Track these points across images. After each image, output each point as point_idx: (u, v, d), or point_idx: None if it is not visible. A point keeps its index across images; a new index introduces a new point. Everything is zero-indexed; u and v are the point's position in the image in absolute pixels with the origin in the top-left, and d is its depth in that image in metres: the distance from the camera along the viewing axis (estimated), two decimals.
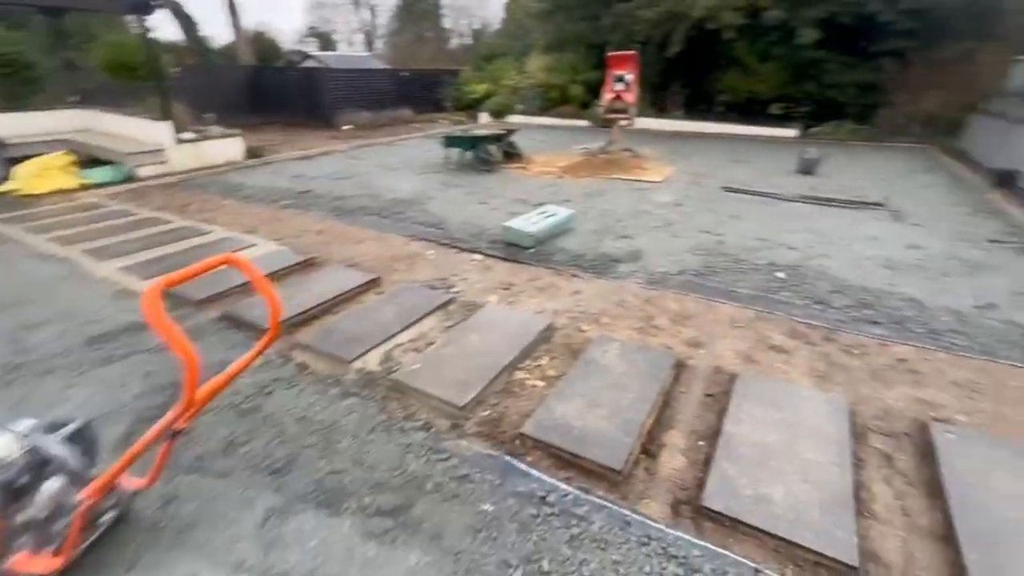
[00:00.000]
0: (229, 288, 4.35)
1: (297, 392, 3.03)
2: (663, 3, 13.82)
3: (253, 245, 5.48)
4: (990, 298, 4.17)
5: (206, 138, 9.87)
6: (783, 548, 2.02)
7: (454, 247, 5.48)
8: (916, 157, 11.12)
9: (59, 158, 8.66)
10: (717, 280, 4.56)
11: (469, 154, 9.47)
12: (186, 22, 22.35)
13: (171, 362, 3.21)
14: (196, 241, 5.60)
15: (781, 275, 4.60)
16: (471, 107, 21.02)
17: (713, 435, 2.65)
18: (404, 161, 10.51)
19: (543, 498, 2.27)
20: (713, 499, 2.18)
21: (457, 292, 4.36)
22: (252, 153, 10.70)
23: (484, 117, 18.58)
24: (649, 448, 2.58)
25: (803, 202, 7.17)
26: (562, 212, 5.88)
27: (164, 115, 9.14)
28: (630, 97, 10.12)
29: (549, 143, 12.73)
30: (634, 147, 10.53)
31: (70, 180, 8.29)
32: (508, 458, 2.51)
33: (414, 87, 21.09)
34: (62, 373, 3.20)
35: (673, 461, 2.50)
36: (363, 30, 39.20)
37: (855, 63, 12.89)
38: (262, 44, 26.89)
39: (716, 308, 4.02)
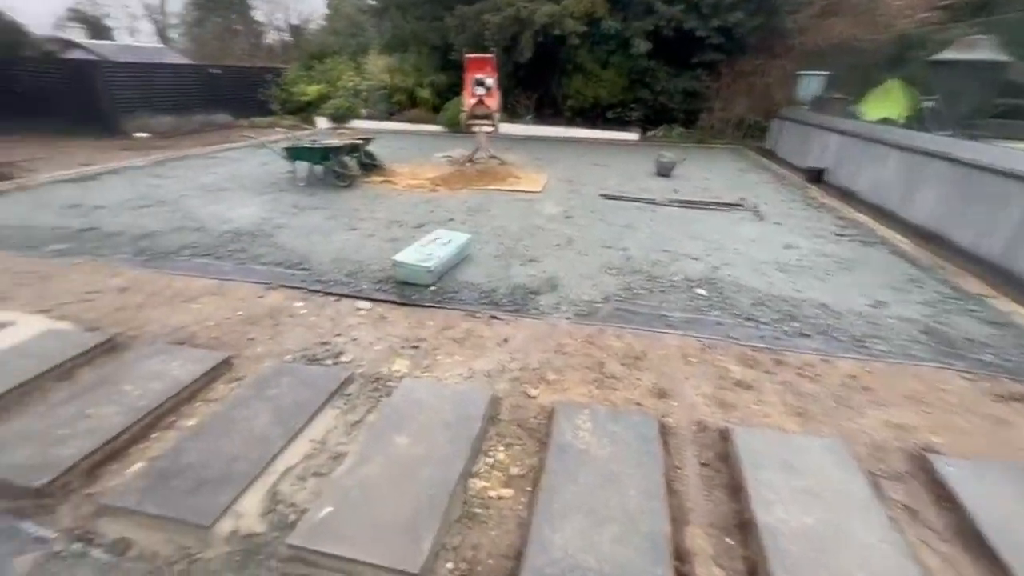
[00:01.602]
0: None
1: None
2: (507, 8, 13.67)
3: (7, 325, 3.58)
4: (875, 295, 4.52)
5: None
6: None
7: (329, 294, 4.29)
8: (736, 157, 12.68)
9: None
10: (644, 304, 4.21)
11: (320, 168, 8.00)
12: None
13: None
14: None
15: (702, 292, 4.44)
16: (302, 110, 18.69)
17: (740, 527, 2.15)
18: (233, 179, 8.53)
19: None
20: None
21: (351, 363, 3.28)
22: None
23: (323, 122, 16.59)
24: (682, 571, 1.97)
25: (677, 206, 7.42)
26: (457, 236, 5.05)
27: None
28: (492, 103, 9.63)
29: (407, 151, 11.68)
30: (498, 154, 10.09)
31: None
32: None
33: (230, 87, 18.02)
34: None
35: None
36: (150, 17, 32.75)
37: (679, 72, 14.30)
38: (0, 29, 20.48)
39: (660, 340, 3.63)
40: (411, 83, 16.84)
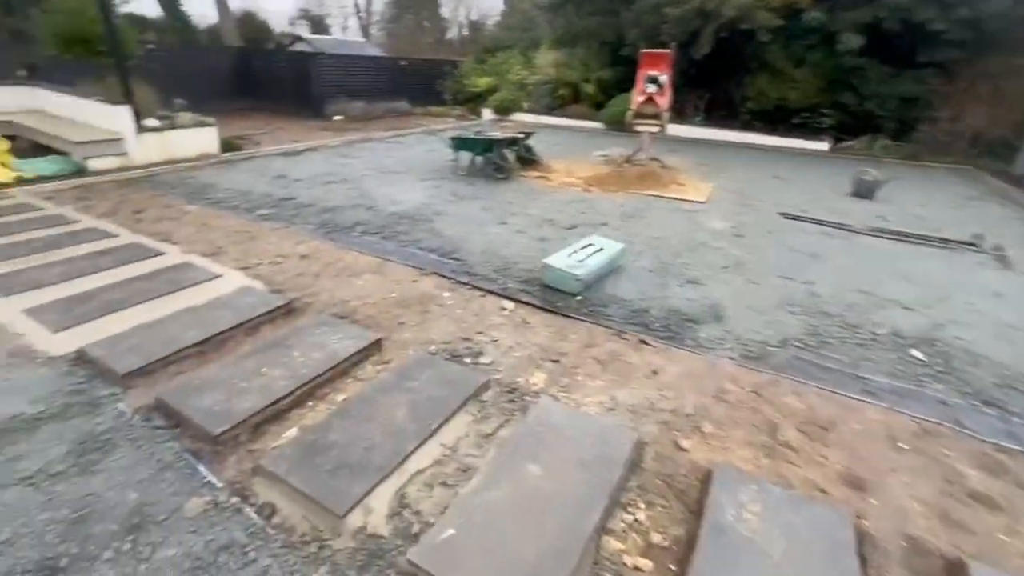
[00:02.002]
0: (181, 350, 3.11)
1: None
2: (689, 1, 12.67)
3: (217, 277, 4.21)
4: None
5: (174, 127, 8.49)
6: None
7: (476, 288, 4.28)
8: (965, 181, 10.15)
9: None
10: (835, 358, 3.43)
11: (480, 159, 8.23)
12: None
13: None
14: (141, 268, 4.31)
15: (918, 354, 3.49)
16: (471, 101, 19.75)
17: None
18: (404, 163, 9.23)
19: None
20: None
21: (490, 366, 3.18)
22: (229, 146, 9.34)
23: (487, 114, 17.30)
24: None
25: (880, 237, 6.10)
26: (609, 245, 4.71)
27: (123, 98, 7.74)
28: (663, 101, 8.97)
29: (564, 147, 11.56)
30: (660, 156, 9.40)
31: (2, 172, 6.88)
32: None
33: (412, 78, 19.76)
34: None
35: None
36: (358, 15, 37.49)
37: (898, 73, 11.90)
38: (251, 25, 25.21)
39: (856, 410, 2.90)
40: (576, 78, 16.68)
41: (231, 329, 3.40)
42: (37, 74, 9.41)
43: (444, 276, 4.48)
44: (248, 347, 3.26)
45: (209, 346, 3.25)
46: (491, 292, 4.21)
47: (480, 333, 3.60)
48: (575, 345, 3.46)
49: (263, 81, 17.45)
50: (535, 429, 2.55)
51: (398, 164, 9.09)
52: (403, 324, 3.65)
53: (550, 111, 16.73)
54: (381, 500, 2.16)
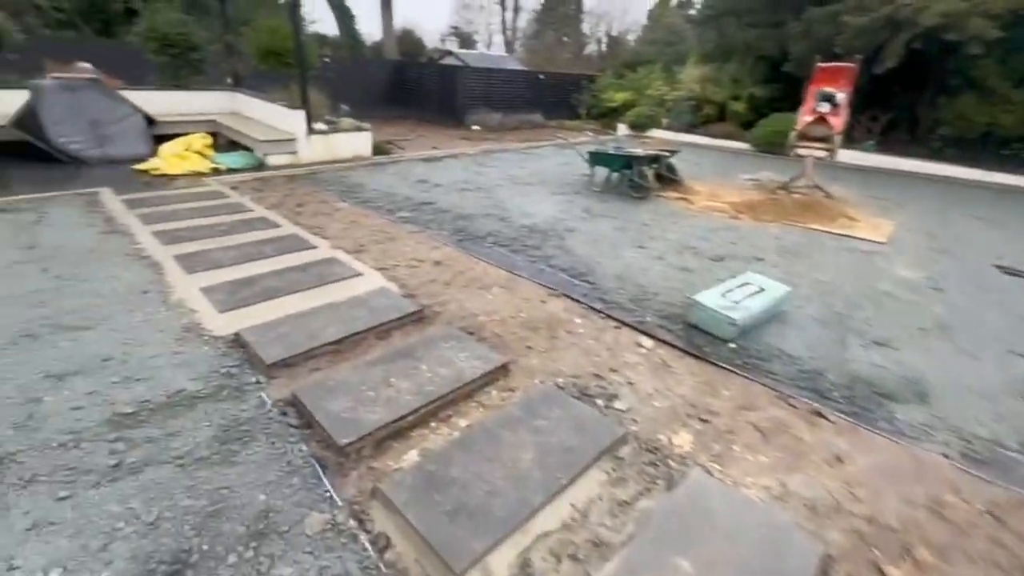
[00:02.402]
0: (320, 345, 3.19)
1: None
2: (878, 8, 11.00)
3: (358, 275, 4.36)
4: None
5: (337, 130, 9.35)
6: None
7: (610, 317, 3.91)
8: None
9: (198, 139, 8.55)
10: None
11: (616, 175, 7.83)
12: (343, 16, 23.39)
13: None
14: (296, 259, 4.63)
15: None
16: (606, 116, 19.38)
17: None
18: (538, 175, 9.16)
19: None
20: None
21: (626, 414, 2.78)
22: (379, 149, 10.07)
23: (622, 129, 16.79)
24: None
25: None
26: (771, 286, 4.03)
27: (301, 103, 8.69)
28: (837, 122, 7.81)
29: (705, 168, 10.68)
30: (823, 185, 8.16)
31: (204, 163, 8.07)
32: None
33: (548, 91, 19.99)
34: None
35: None
36: (504, 31, 39.24)
37: None
38: (408, 41, 27.63)
39: None
40: (725, 95, 15.48)
41: (365, 331, 3.43)
42: (240, 82, 11.03)
43: (575, 300, 4.17)
44: (379, 352, 3.24)
45: (344, 345, 3.29)
46: (626, 324, 3.80)
47: (614, 371, 3.22)
48: (728, 404, 2.92)
49: (413, 91, 18.86)
50: (684, 510, 2.11)
51: (531, 176, 9.05)
52: (530, 348, 3.41)
53: (691, 129, 15.72)
54: (502, 562, 1.89)
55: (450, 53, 21.91)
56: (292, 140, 8.69)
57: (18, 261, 4.27)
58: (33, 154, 7.70)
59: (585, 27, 40.95)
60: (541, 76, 21.04)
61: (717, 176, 9.72)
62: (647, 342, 3.58)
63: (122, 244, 4.78)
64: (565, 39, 39.69)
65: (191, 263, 4.39)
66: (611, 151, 7.74)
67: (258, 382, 2.87)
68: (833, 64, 7.85)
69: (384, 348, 3.31)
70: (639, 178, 7.41)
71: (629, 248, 5.48)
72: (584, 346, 3.49)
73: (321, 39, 20.01)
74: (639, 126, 16.30)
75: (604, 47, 40.26)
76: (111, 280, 4.02)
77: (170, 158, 7.97)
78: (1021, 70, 10.43)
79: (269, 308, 3.68)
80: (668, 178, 8.11)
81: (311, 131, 8.87)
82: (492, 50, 37.16)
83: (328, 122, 9.43)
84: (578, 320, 3.86)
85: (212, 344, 3.21)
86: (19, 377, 2.76)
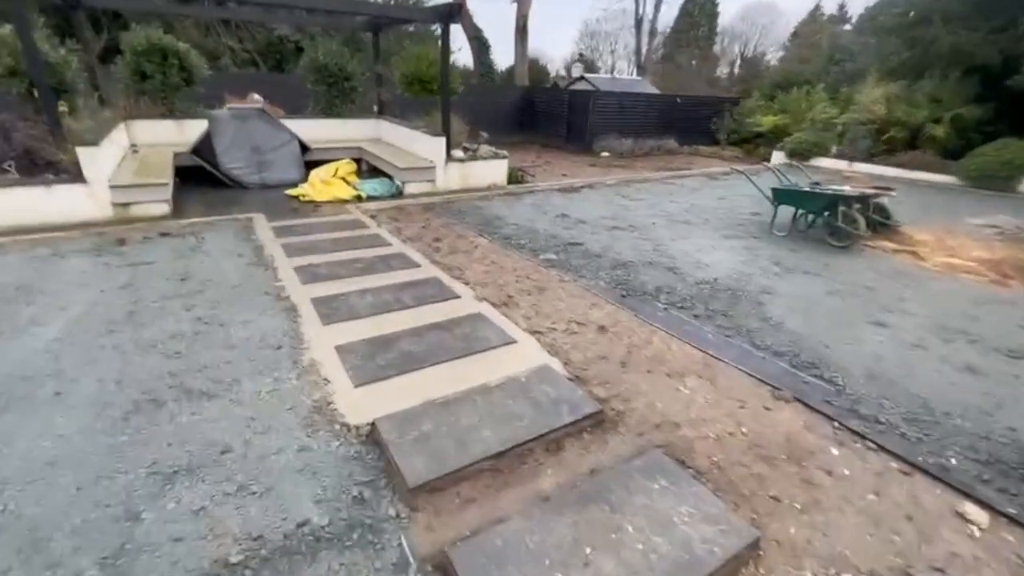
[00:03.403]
0: (475, 462, 2.33)
1: None
2: None
3: (511, 343, 3.51)
4: None
5: (475, 158, 8.93)
6: None
7: (886, 450, 2.57)
8: None
9: (344, 166, 8.62)
10: None
11: (811, 217, 6.27)
12: (480, 45, 24.08)
13: None
14: (438, 312, 3.92)
15: None
16: (747, 142, 17.28)
17: None
18: (695, 211, 7.86)
19: None
20: None
21: None
22: (513, 177, 9.49)
23: (778, 157, 14.66)
24: None
25: None
26: None
27: (442, 130, 8.40)
28: None
29: (911, 209, 8.49)
30: None
31: (347, 190, 8.05)
32: None
33: (683, 115, 18.41)
34: None
35: None
36: (628, 56, 38.28)
37: None
38: (535, 70, 27.74)
39: None
40: (921, 118, 12.73)
41: (530, 441, 2.51)
42: (384, 109, 11.28)
43: (815, 410, 2.89)
44: (553, 479, 2.29)
45: (505, 462, 2.40)
46: (921, 470, 2.44)
47: (938, 572, 1.92)
48: None
49: (540, 117, 18.47)
50: None
51: (688, 212, 7.77)
52: (778, 504, 2.22)
53: (870, 157, 13.16)
54: None
55: (582, 78, 21.32)
56: (431, 168, 8.40)
57: (168, 296, 4.09)
58: (206, 178, 8.23)
59: (716, 48, 38.57)
60: (678, 99, 19.59)
61: (931, 219, 7.59)
62: (976, 513, 2.20)
63: (265, 280, 4.48)
64: (694, 62, 37.57)
65: (328, 310, 3.88)
66: (807, 188, 6.19)
67: (398, 516, 2.06)
68: None
69: (559, 473, 2.35)
70: (848, 224, 5.77)
71: (864, 326, 4.00)
72: (862, 506, 2.22)
73: (458, 70, 20.60)
74: (800, 153, 14.08)
75: (737, 68, 37.36)
76: (247, 326, 3.62)
77: (317, 184, 8.05)
78: None
79: (410, 384, 2.95)
80: (881, 223, 6.32)
81: (449, 158, 8.53)
82: (621, 73, 36.32)
83: (466, 149, 9.06)
84: (834, 451, 2.58)
85: (344, 438, 2.51)
86: (128, 469, 2.24)
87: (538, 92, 20.60)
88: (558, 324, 3.87)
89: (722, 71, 38.12)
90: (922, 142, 12.79)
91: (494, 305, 4.14)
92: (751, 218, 7.33)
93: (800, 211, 6.23)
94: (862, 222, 5.79)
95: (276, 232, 5.90)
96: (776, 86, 19.29)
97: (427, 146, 8.63)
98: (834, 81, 17.75)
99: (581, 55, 48.79)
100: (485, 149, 9.26)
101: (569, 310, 4.15)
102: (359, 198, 7.89)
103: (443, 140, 8.37)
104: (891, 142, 13.18)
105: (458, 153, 8.79)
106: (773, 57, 36.77)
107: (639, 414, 2.81)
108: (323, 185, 8.02)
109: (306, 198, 7.73)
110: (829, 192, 5.85)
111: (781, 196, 6.32)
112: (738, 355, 3.49)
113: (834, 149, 13.90)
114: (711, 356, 3.46)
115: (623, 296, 4.49)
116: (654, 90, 22.91)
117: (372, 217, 6.92)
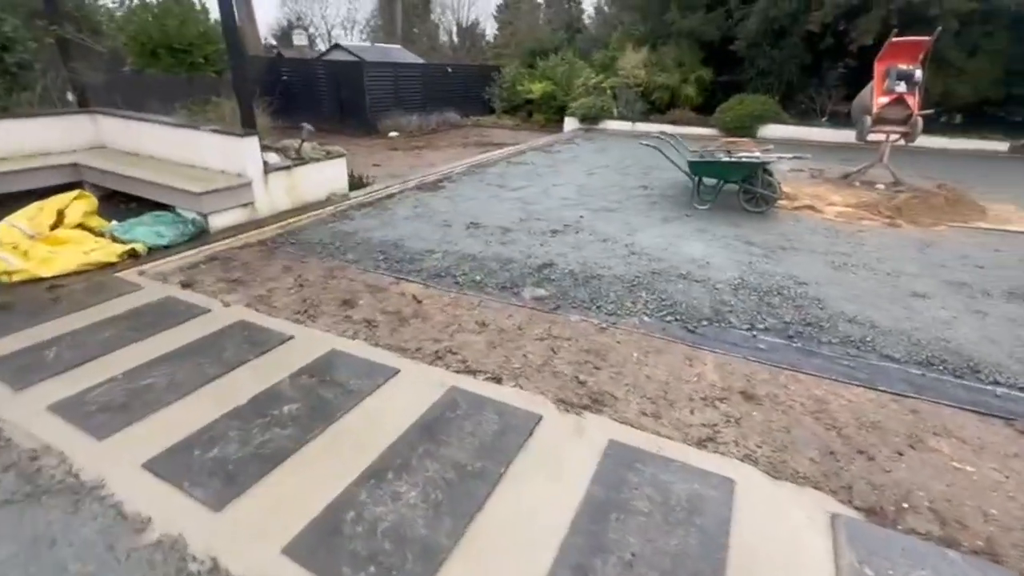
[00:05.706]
0: None
1: None
2: None
3: (724, 480, 2.06)
4: None
5: (301, 161, 6.25)
6: None
7: None
8: None
9: (71, 201, 4.95)
10: None
11: (706, 185, 6.21)
12: None
13: None
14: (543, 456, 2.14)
15: None
16: (519, 108, 17.54)
17: None
18: (597, 194, 7.09)
19: None
20: None
21: None
22: (354, 182, 7.15)
23: (572, 123, 15.25)
24: None
25: None
26: None
27: (247, 123, 5.51)
28: (914, 102, 7.10)
29: None
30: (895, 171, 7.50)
31: (102, 245, 4.59)
32: None
33: (457, 86, 17.54)
34: None
35: None
36: (343, 25, 35.34)
37: None
38: (251, 37, 22.74)
39: None
40: (676, 80, 14.74)
41: None
42: (95, 98, 7.04)
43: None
44: None
45: None
46: None
47: None
48: None
49: (296, 95, 14.73)
50: None
51: (590, 197, 6.92)
52: None
53: (645, 117, 14.75)
54: None
55: (339, 47, 18.25)
56: (245, 185, 5.48)
57: None
58: None
59: (434, 17, 39.05)
60: (449, 69, 18.63)
61: None
62: None
63: None
64: (415, 30, 37.20)
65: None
66: (724, 158, 6.03)
67: None
68: (906, 39, 7.08)
69: None
70: (766, 188, 5.85)
71: (906, 300, 3.86)
72: None
73: None
74: (591, 118, 14.91)
75: (455, 38, 38.30)
76: None
77: (28, 246, 4.35)
78: (971, 41, 11.06)
79: None
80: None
81: (267, 167, 5.73)
82: (324, 43, 33.17)
83: (282, 151, 6.25)
84: None
85: None
86: None
87: (285, 64, 16.72)
88: (699, 411, 2.56)
89: (443, 39, 38.61)
90: (680, 101, 14.93)
91: (575, 408, 2.54)
92: (648, 193, 7.03)
93: (722, 182, 6.05)
94: (778, 186, 5.95)
95: (10, 377, 2.73)
96: (532, 53, 19.91)
97: (223, 152, 5.60)
98: (576, 49, 19.22)
99: (300, 21, 42.99)
100: (309, 148, 6.59)
101: (671, 376, 2.86)
102: (133, 254, 4.58)
103: (255, 140, 5.51)
104: (659, 102, 15.03)
105: (274, 158, 5.98)
106: (487, 25, 38.71)
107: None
108: (44, 245, 4.38)
109: (15, 276, 4.08)
110: (755, 160, 5.79)
111: (700, 168, 6.06)
112: (913, 384, 2.83)
113: (615, 111, 15.13)
114: (914, 399, 2.71)
115: (690, 331, 3.39)
116: (418, 59, 21.38)
117: (186, 287, 4.02)
